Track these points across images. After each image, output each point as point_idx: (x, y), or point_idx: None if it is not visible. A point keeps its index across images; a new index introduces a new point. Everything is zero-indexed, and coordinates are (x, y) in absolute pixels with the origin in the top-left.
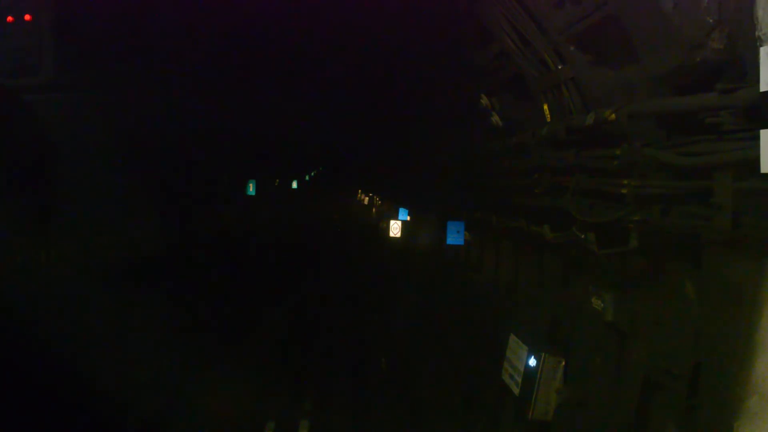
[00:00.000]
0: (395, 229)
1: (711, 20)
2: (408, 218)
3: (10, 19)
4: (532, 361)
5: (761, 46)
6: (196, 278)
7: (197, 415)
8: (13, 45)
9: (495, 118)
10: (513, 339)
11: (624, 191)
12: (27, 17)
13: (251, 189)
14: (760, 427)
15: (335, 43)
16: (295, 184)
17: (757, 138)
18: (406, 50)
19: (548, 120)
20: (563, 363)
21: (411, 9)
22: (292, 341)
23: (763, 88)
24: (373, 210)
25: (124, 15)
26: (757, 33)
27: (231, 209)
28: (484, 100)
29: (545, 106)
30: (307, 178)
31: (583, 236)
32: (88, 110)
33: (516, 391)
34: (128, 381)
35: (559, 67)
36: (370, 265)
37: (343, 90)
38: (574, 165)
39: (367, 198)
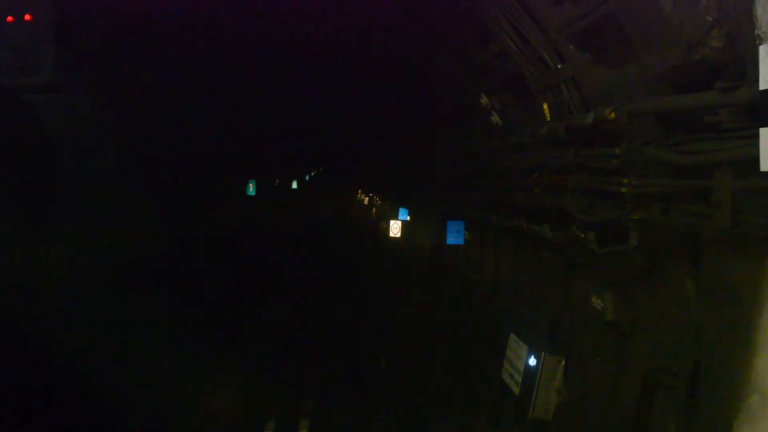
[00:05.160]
0: (395, 229)
1: (710, 19)
2: (408, 218)
3: (10, 19)
4: (532, 361)
5: (760, 44)
6: (197, 278)
7: (197, 415)
8: (13, 45)
9: (495, 118)
10: (513, 338)
11: (624, 190)
12: (27, 17)
13: (251, 189)
14: (760, 426)
15: (335, 43)
16: (295, 185)
17: (757, 136)
18: (407, 50)
19: (548, 119)
20: (563, 362)
21: (411, 9)
22: (292, 341)
23: (762, 86)
24: (373, 210)
25: (124, 15)
26: (756, 31)
27: (232, 209)
28: (484, 100)
29: (545, 105)
30: (307, 178)
31: (582, 235)
32: (88, 110)
33: (516, 390)
34: (128, 381)
35: (559, 66)
36: (371, 265)
37: (343, 90)
38: (574, 164)
39: (367, 198)
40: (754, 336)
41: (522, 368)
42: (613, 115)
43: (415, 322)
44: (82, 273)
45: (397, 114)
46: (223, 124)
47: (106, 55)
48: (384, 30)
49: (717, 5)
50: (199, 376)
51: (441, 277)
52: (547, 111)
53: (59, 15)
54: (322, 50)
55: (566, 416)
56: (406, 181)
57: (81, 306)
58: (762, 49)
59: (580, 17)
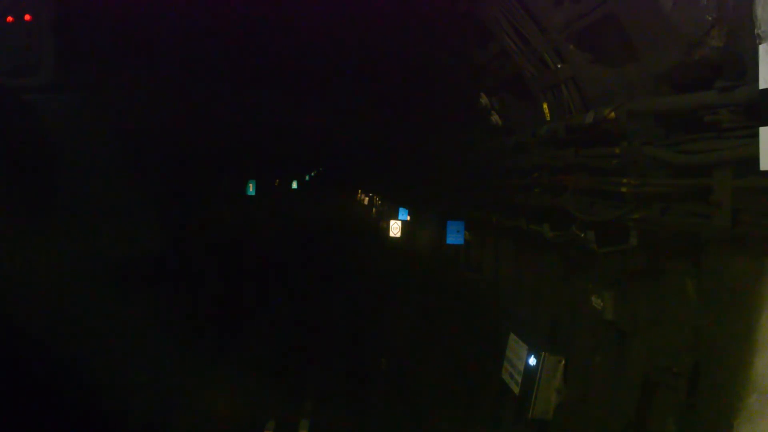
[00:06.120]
0: (395, 229)
1: (710, 18)
2: (408, 218)
3: (10, 19)
4: (532, 360)
5: (760, 43)
6: (196, 279)
7: (197, 415)
8: (13, 45)
9: (495, 118)
10: (513, 338)
11: (623, 190)
12: (27, 17)
13: (251, 189)
14: (760, 425)
15: (335, 42)
16: (295, 184)
17: (757, 135)
18: (406, 50)
19: (548, 119)
20: (563, 362)
21: (411, 8)
22: (292, 341)
23: (762, 85)
24: (373, 210)
25: (125, 14)
26: (756, 30)
27: (231, 209)
28: (484, 100)
29: (545, 105)
30: (307, 178)
31: (582, 235)
32: (88, 110)
33: (516, 390)
34: (128, 381)
35: (559, 66)
36: (370, 265)
37: (343, 90)
38: (574, 164)
39: (367, 198)
40: (754, 336)
41: (522, 368)
42: (613, 114)
43: (415, 321)
44: (82, 273)
45: (397, 114)
46: (224, 124)
47: (106, 55)
48: (384, 30)
49: (717, 5)
50: (200, 376)
51: (441, 277)
52: (547, 111)
53: (59, 15)
54: (322, 50)
55: (566, 416)
56: (406, 181)
57: (81, 305)
58: (762, 48)
59: (580, 17)
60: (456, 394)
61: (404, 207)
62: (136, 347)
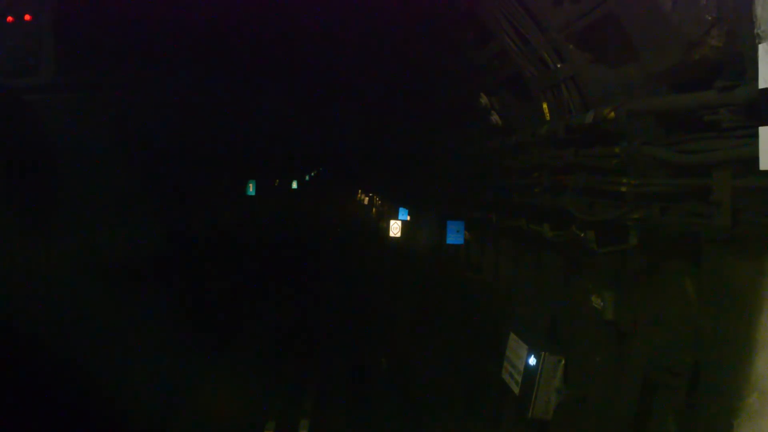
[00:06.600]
0: (395, 228)
1: (710, 18)
2: (408, 218)
3: (10, 19)
4: (532, 360)
5: (760, 43)
6: (195, 278)
7: (197, 415)
8: (13, 45)
9: (494, 117)
10: (513, 338)
11: (623, 189)
12: (27, 17)
13: (251, 189)
14: (760, 425)
15: (335, 42)
16: (295, 185)
17: (756, 135)
18: (406, 50)
19: (548, 119)
20: (563, 362)
21: (410, 8)
22: (292, 341)
23: (761, 85)
24: (373, 210)
25: (124, 15)
26: (755, 30)
27: (231, 209)
28: (484, 99)
29: (545, 105)
30: (307, 178)
31: (582, 235)
32: (88, 110)
33: (516, 390)
34: (128, 380)
35: (559, 66)
36: (370, 265)
37: (343, 90)
38: (574, 163)
39: (367, 198)
40: (754, 335)
41: (522, 368)
42: (612, 114)
43: (415, 321)
44: (82, 272)
45: (397, 114)
46: (224, 124)
47: (106, 55)
48: (384, 30)
49: (716, 4)
50: (200, 375)
51: (441, 277)
52: (546, 110)
53: (59, 15)
54: (323, 50)
55: (566, 416)
56: (406, 181)
57: (81, 304)
58: (761, 47)
59: (580, 17)
60: (456, 394)
61: (404, 207)
62: (136, 347)
